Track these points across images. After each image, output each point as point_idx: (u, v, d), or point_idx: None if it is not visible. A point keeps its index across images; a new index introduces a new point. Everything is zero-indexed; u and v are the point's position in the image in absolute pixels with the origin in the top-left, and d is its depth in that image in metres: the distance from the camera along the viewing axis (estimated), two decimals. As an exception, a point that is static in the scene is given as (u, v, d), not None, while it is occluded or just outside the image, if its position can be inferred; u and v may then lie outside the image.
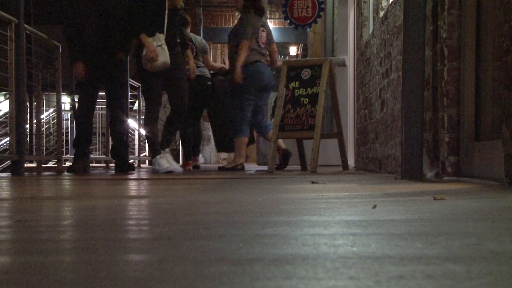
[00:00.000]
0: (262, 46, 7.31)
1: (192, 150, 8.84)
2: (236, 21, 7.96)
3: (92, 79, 6.73)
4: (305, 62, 7.26)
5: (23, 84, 6.01)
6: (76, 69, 6.60)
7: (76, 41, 6.67)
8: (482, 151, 3.54)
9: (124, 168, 6.88)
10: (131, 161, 7.43)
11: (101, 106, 12.50)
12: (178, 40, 6.81)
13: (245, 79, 7.12)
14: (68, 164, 7.73)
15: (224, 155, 21.85)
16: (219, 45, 19.36)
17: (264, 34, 7.36)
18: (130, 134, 10.88)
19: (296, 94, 6.87)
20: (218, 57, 19.46)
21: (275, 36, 18.17)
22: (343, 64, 9.56)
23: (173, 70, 6.63)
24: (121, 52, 6.78)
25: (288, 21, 10.40)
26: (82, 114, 6.84)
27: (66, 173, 6.60)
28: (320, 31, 11.97)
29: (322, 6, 10.15)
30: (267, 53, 7.43)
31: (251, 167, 11.15)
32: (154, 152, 6.53)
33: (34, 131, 7.28)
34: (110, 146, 7.85)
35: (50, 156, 8.42)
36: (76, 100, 8.21)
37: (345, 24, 9.82)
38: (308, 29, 10.76)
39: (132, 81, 9.43)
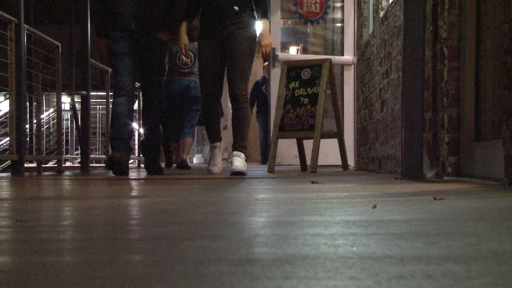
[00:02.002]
0: (184, 67, 8.77)
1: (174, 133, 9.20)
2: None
3: (126, 51, 5.84)
4: (305, 62, 7.26)
5: (23, 84, 6.01)
6: (99, 45, 5.97)
7: (102, 6, 5.89)
8: (482, 151, 3.54)
9: (154, 168, 6.06)
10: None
11: (100, 106, 12.50)
12: None
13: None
14: (68, 164, 7.69)
15: (224, 155, 21.84)
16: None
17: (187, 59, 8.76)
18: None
19: (296, 94, 6.87)
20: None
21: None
22: (350, 63, 9.54)
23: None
24: (162, 33, 5.93)
25: (298, 14, 10.39)
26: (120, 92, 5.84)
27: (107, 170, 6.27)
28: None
29: (329, 3, 10.13)
30: (195, 71, 8.63)
31: (252, 167, 11.15)
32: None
33: (34, 131, 7.27)
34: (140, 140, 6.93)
35: (50, 156, 8.42)
36: (76, 100, 8.21)
37: (346, 24, 9.81)
38: (312, 24, 10.72)
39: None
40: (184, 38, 5.89)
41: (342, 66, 9.51)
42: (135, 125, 11.92)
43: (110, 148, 6.21)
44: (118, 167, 5.61)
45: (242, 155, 5.68)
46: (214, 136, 6.04)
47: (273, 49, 8.85)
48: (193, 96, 8.79)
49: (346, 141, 8.94)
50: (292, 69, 7.03)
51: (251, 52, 5.83)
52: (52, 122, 11.42)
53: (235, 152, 5.76)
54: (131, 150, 6.25)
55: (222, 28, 5.71)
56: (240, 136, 5.82)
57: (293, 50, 23.47)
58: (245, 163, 5.65)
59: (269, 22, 5.93)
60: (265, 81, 12.34)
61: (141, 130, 11.46)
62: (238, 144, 5.78)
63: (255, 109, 12.97)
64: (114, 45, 5.84)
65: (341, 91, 9.48)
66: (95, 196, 2.79)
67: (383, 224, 1.51)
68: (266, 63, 12.40)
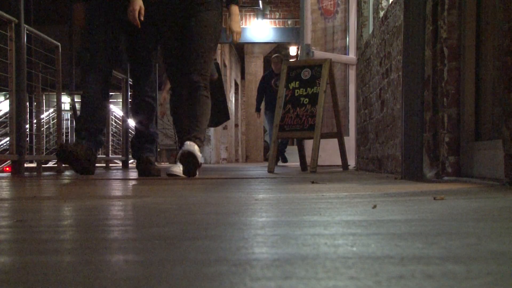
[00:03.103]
0: None
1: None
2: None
3: (106, 25, 5.04)
4: (305, 62, 7.26)
5: (23, 84, 6.00)
6: (74, 12, 5.30)
7: None
8: (482, 151, 3.54)
9: (146, 169, 5.27)
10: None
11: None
12: None
13: None
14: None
15: (224, 155, 21.85)
16: (219, 45, 19.35)
17: None
18: (130, 134, 10.89)
19: (296, 94, 6.87)
20: (218, 57, 19.45)
21: (275, 36, 17.91)
22: (355, 63, 9.55)
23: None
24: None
25: (320, 11, 10.41)
26: (89, 82, 5.00)
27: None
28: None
29: (339, 1, 10.15)
30: None
31: (252, 167, 11.15)
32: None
33: (34, 131, 7.27)
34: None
35: (50, 156, 8.41)
36: (76, 100, 8.21)
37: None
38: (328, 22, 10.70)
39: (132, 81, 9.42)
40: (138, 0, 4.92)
41: (347, 65, 9.50)
42: (132, 122, 11.89)
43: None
44: (72, 161, 4.75)
45: (196, 146, 4.72)
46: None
47: (308, 45, 8.79)
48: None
49: (349, 141, 8.94)
50: (292, 69, 7.03)
51: (216, 35, 5.07)
52: (52, 122, 11.42)
53: (187, 143, 4.72)
54: (100, 143, 5.25)
55: (185, 7, 5.00)
56: (195, 124, 4.87)
57: (293, 50, 23.43)
58: (200, 154, 4.75)
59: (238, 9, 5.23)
60: (274, 75, 12.17)
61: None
62: (193, 134, 4.82)
63: (263, 105, 12.77)
64: (90, 13, 5.09)
65: (346, 90, 9.47)
66: (95, 196, 2.79)
67: (383, 224, 1.51)
68: (274, 56, 12.30)
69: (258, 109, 12.67)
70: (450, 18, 3.89)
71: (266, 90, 12.25)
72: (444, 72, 3.90)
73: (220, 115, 10.36)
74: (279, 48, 23.53)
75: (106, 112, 5.22)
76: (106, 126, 5.18)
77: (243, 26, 17.82)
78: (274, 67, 12.08)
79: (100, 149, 5.46)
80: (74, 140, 5.30)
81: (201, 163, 4.75)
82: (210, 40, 5.01)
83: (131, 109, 5.85)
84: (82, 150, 4.82)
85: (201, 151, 4.79)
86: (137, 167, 5.47)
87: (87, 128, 4.93)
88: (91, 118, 4.94)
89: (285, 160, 13.27)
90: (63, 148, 4.81)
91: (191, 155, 4.58)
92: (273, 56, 12.47)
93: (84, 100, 5.03)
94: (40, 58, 8.11)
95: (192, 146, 4.68)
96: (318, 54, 8.97)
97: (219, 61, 19.39)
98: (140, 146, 5.40)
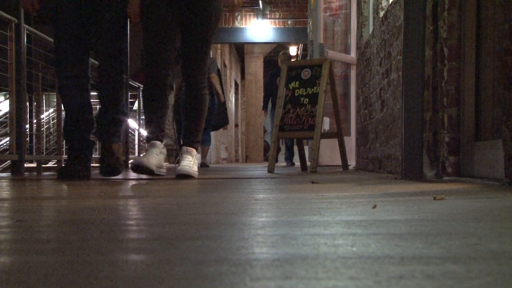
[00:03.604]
0: None
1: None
2: (235, 23, 8.74)
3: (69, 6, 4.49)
4: (305, 62, 7.26)
5: (23, 84, 6.00)
6: None
7: None
8: (482, 151, 3.54)
9: (106, 161, 4.66)
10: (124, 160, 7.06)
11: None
12: None
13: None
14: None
15: (224, 155, 21.86)
16: (219, 45, 19.36)
17: None
18: (130, 134, 10.89)
19: (296, 94, 6.87)
20: (219, 58, 19.46)
21: (275, 36, 17.94)
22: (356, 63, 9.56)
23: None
24: None
25: (329, 10, 10.44)
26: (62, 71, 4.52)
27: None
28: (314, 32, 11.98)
29: (342, 2, 10.17)
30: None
31: (251, 167, 11.16)
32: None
33: (34, 131, 7.28)
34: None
35: (50, 156, 8.42)
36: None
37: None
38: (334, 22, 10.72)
39: (132, 81, 9.42)
40: None
41: (349, 65, 9.50)
42: (133, 122, 11.89)
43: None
44: (71, 175, 4.51)
45: (194, 152, 4.77)
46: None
47: (322, 45, 8.79)
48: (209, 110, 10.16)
49: (350, 140, 8.94)
50: (292, 69, 7.03)
51: (217, 23, 4.71)
52: (52, 122, 11.42)
53: (185, 149, 4.77)
54: (90, 145, 4.75)
55: None
56: (194, 129, 4.82)
57: (293, 50, 23.42)
58: (196, 161, 4.77)
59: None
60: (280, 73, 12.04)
61: (142, 130, 11.47)
62: (191, 139, 4.81)
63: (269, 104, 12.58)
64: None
65: (348, 90, 9.47)
66: (95, 196, 2.79)
67: (383, 224, 1.51)
68: (281, 52, 12.19)
69: (265, 107, 12.49)
70: (450, 18, 3.89)
71: (272, 89, 12.09)
72: (444, 72, 3.90)
73: (219, 119, 10.79)
74: (279, 48, 23.52)
75: (89, 117, 4.68)
76: (92, 123, 4.65)
77: (243, 26, 17.82)
78: (281, 64, 11.97)
79: (93, 147, 4.92)
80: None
81: (208, 165, 5.01)
82: (212, 34, 4.69)
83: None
84: (81, 165, 4.60)
85: (198, 152, 4.91)
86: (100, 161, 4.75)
87: (73, 134, 4.62)
88: (74, 122, 4.60)
89: (292, 164, 12.93)
90: (62, 171, 4.58)
91: (185, 176, 4.60)
92: (281, 52, 12.31)
93: (63, 101, 4.62)
94: (40, 58, 8.11)
95: (187, 159, 4.68)
96: (332, 54, 8.99)
97: (219, 61, 19.40)
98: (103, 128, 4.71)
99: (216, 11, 4.66)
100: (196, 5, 4.62)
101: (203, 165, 10.23)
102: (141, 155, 4.98)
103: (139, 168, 4.46)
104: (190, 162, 4.68)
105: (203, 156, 10.46)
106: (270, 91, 12.12)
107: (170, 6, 4.58)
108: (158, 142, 4.60)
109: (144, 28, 4.57)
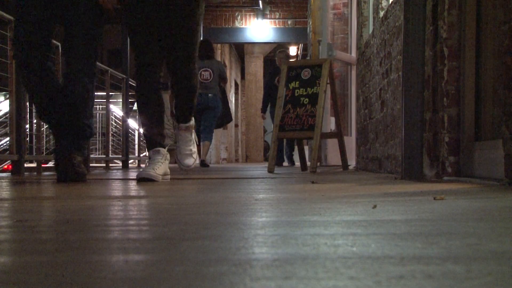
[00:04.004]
0: (205, 81, 10.36)
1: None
2: (235, 23, 8.73)
3: None
4: (305, 62, 7.26)
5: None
6: None
7: None
8: (482, 151, 3.54)
9: (64, 163, 4.06)
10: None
11: (100, 106, 12.48)
12: None
13: None
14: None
15: (224, 155, 21.86)
16: (219, 45, 19.36)
17: (206, 73, 10.44)
18: (130, 134, 10.89)
19: (296, 94, 6.87)
20: (219, 57, 19.47)
21: (275, 36, 17.90)
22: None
23: None
24: None
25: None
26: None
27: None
28: (320, 31, 11.96)
29: (346, 2, 10.17)
30: (213, 85, 10.48)
31: (251, 167, 11.16)
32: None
33: (34, 131, 7.27)
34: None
35: (50, 156, 8.42)
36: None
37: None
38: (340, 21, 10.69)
39: (132, 81, 9.42)
40: None
41: (350, 65, 9.50)
42: (132, 122, 11.89)
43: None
44: (65, 173, 4.05)
45: (163, 151, 4.34)
46: (155, 136, 4.39)
47: (330, 44, 8.79)
48: (213, 106, 10.45)
49: (350, 140, 8.94)
50: (292, 69, 7.03)
51: (201, 12, 4.39)
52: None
53: (152, 151, 4.36)
54: (83, 137, 4.23)
55: None
56: (188, 111, 4.58)
57: (293, 50, 23.42)
58: (166, 162, 4.36)
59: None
60: (279, 72, 11.53)
61: (141, 130, 11.47)
62: (187, 117, 4.59)
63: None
64: None
65: (349, 90, 9.47)
66: (95, 196, 2.79)
67: (383, 224, 1.51)
68: (279, 50, 11.95)
69: (264, 110, 12.02)
70: (450, 18, 3.89)
71: (271, 88, 11.48)
72: (444, 72, 3.90)
73: (222, 116, 10.95)
74: (279, 48, 23.53)
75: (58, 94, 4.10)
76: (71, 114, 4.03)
77: (243, 26, 17.82)
78: (278, 62, 11.46)
79: (88, 141, 4.48)
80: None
81: (208, 164, 4.77)
82: (197, 21, 4.35)
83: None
84: (79, 168, 4.10)
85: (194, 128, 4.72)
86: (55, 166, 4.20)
87: (57, 129, 4.16)
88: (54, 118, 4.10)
89: (292, 162, 12.60)
90: (62, 175, 4.08)
91: (148, 180, 4.15)
92: (278, 51, 11.83)
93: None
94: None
95: (154, 163, 4.25)
96: (340, 54, 9.00)
97: (220, 60, 19.40)
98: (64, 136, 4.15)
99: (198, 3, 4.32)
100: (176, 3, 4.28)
101: (203, 165, 10.15)
102: (145, 164, 4.49)
103: (145, 181, 4.17)
104: (157, 164, 4.25)
105: (204, 154, 10.41)
106: (268, 93, 11.75)
107: (150, 3, 4.26)
108: (161, 149, 4.33)
109: (128, 28, 4.31)
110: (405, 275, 0.88)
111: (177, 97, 4.53)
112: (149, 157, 4.40)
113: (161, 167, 4.28)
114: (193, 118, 4.67)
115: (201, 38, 10.90)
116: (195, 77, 4.48)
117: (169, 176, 4.49)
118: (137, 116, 5.45)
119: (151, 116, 4.36)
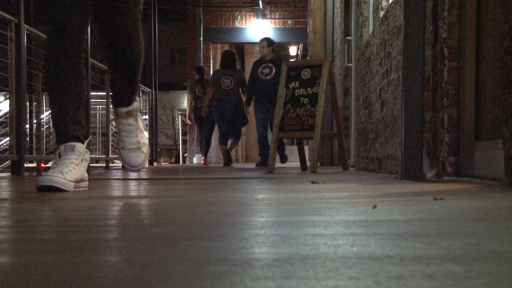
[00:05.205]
0: (226, 88, 11.03)
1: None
2: (235, 23, 8.56)
3: None
4: (305, 62, 7.26)
5: (23, 84, 6.01)
6: None
7: None
8: (482, 151, 3.54)
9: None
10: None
11: (100, 106, 12.48)
12: None
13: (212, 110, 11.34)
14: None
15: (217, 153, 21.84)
16: (219, 45, 19.36)
17: (227, 80, 11.05)
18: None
19: (296, 94, 6.87)
20: (218, 57, 19.46)
21: (275, 36, 17.92)
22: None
23: None
24: None
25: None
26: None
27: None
28: (320, 31, 11.95)
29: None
30: (235, 92, 11.13)
31: (252, 167, 11.15)
32: None
33: (34, 131, 7.27)
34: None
35: (50, 156, 8.42)
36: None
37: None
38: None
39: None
40: None
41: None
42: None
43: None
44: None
45: (80, 146, 3.16)
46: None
47: (349, 40, 8.77)
48: (236, 110, 11.23)
49: (350, 140, 8.94)
50: (292, 69, 7.03)
51: None
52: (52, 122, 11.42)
53: (62, 147, 3.14)
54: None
55: None
56: (132, 84, 3.39)
57: (293, 50, 23.41)
58: (82, 161, 3.15)
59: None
60: (262, 62, 10.39)
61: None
62: (129, 98, 3.42)
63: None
64: None
65: (350, 90, 9.46)
66: (95, 196, 2.79)
67: (383, 224, 1.51)
68: (261, 39, 10.60)
69: (247, 103, 10.97)
70: (450, 18, 3.89)
71: (256, 79, 10.29)
72: (444, 72, 3.90)
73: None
74: (279, 48, 23.52)
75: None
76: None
77: (243, 26, 17.82)
78: (260, 52, 10.37)
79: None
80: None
81: (232, 161, 3.89)
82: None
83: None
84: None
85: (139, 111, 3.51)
86: None
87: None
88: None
89: (284, 159, 11.95)
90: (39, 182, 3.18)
91: (52, 188, 2.97)
92: (261, 39, 10.58)
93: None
94: (40, 58, 8.10)
95: (64, 164, 3.05)
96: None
97: (218, 61, 19.40)
98: None
99: None
100: None
101: (227, 162, 11.31)
102: (51, 163, 3.29)
103: (46, 189, 2.98)
104: (69, 165, 3.07)
105: (230, 147, 11.52)
106: (252, 86, 10.37)
107: None
108: (77, 144, 3.15)
109: None
110: (405, 275, 0.88)
111: (114, 71, 3.36)
112: (59, 155, 3.16)
113: (75, 170, 3.08)
114: (137, 98, 3.52)
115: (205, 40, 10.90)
116: (138, 42, 3.29)
117: (86, 183, 3.24)
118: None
119: (63, 96, 3.17)
